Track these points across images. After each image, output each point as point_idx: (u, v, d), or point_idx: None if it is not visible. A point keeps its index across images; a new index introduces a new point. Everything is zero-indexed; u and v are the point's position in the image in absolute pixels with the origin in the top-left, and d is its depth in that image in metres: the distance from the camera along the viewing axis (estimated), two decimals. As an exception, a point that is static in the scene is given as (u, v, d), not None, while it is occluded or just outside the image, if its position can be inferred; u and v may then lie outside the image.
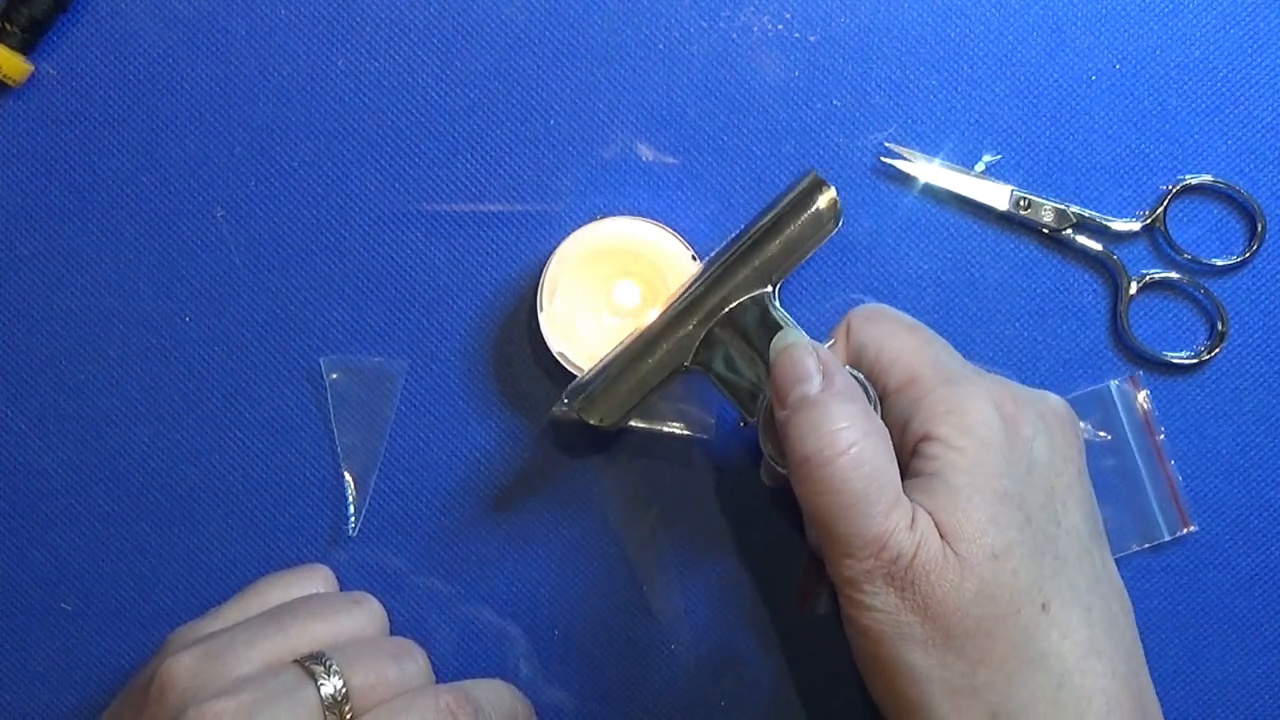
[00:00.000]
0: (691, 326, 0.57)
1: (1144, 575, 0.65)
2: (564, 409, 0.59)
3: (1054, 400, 0.56)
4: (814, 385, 0.52)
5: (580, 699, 0.65)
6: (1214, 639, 0.65)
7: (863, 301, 0.65)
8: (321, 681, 0.51)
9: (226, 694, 0.50)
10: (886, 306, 0.59)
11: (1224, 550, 0.65)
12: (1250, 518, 0.65)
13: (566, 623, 0.64)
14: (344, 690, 0.51)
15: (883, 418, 0.54)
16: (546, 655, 0.65)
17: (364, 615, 0.58)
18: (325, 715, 0.51)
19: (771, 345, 0.55)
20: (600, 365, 0.58)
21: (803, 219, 0.57)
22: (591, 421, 0.58)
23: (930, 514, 0.50)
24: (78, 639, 0.65)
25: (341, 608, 0.58)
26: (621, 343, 0.59)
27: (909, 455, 0.53)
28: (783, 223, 0.57)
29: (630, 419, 0.59)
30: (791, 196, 0.58)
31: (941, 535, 0.50)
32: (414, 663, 0.55)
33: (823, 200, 0.57)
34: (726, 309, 0.57)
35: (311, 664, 0.52)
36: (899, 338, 0.55)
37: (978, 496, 0.50)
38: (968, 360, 0.58)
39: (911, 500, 0.51)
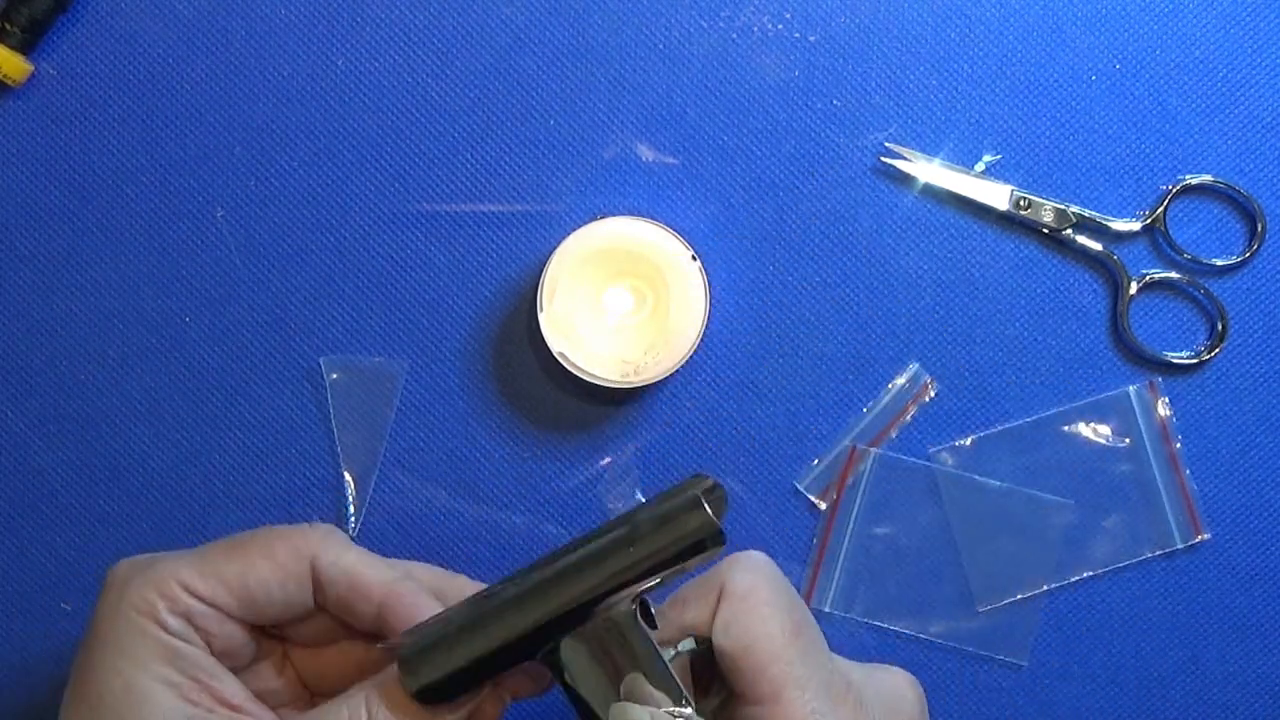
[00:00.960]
0: (542, 616, 0.48)
1: (1144, 576, 0.65)
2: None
3: (906, 698, 0.53)
4: None
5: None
6: (1214, 639, 0.65)
7: (861, 289, 0.65)
8: None
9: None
10: (767, 570, 0.51)
11: (1225, 550, 0.65)
12: (1251, 518, 0.65)
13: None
14: None
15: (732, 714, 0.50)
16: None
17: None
18: None
19: (610, 715, 0.48)
20: (438, 620, 0.50)
21: (676, 542, 0.48)
22: (408, 688, 0.48)
23: None
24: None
25: None
26: (472, 602, 0.50)
27: None
28: (656, 538, 0.48)
29: (461, 699, 0.49)
30: (670, 510, 0.49)
31: None
32: None
33: (695, 522, 0.48)
34: (582, 610, 0.48)
35: None
36: (772, 641, 0.49)
37: None
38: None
39: None
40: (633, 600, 0.49)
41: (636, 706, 0.48)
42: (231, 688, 0.50)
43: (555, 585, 0.48)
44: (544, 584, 0.48)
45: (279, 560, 0.51)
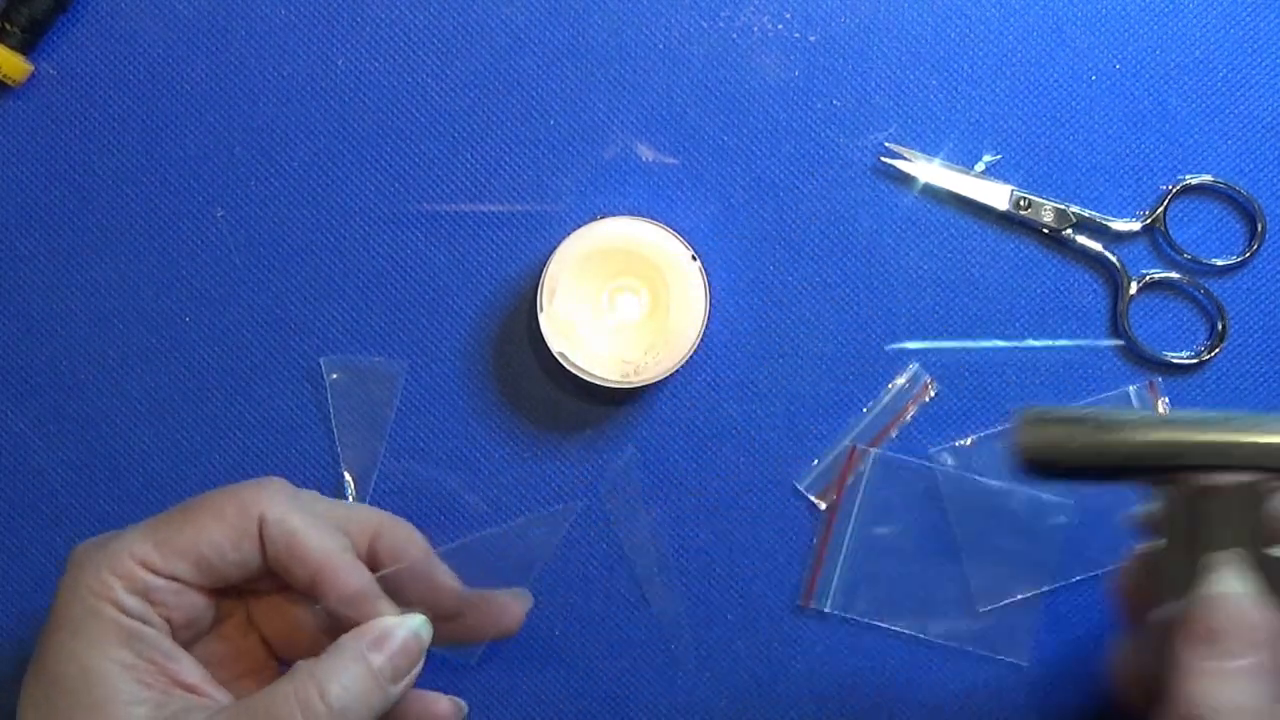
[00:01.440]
0: (1184, 448, 0.49)
1: (1144, 575, 0.65)
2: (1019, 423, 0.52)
3: None
4: (1243, 660, 0.45)
5: (579, 699, 0.65)
6: (1214, 639, 0.65)
7: (861, 289, 0.65)
8: None
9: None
10: None
11: (1224, 550, 0.65)
12: (1250, 518, 0.65)
13: (565, 622, 0.64)
14: None
15: None
16: (546, 655, 0.64)
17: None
18: None
19: (1204, 585, 0.47)
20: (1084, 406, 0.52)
21: None
22: (1023, 444, 0.50)
23: None
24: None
25: None
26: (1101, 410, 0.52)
27: None
28: None
29: (1063, 478, 0.52)
30: None
31: None
32: None
33: None
34: (1215, 468, 0.49)
35: None
36: None
37: None
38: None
39: None
40: (1261, 485, 0.48)
41: (1234, 576, 0.47)
42: (188, 669, 0.50)
43: (1207, 429, 0.49)
44: (1196, 423, 0.49)
45: (229, 521, 0.51)
